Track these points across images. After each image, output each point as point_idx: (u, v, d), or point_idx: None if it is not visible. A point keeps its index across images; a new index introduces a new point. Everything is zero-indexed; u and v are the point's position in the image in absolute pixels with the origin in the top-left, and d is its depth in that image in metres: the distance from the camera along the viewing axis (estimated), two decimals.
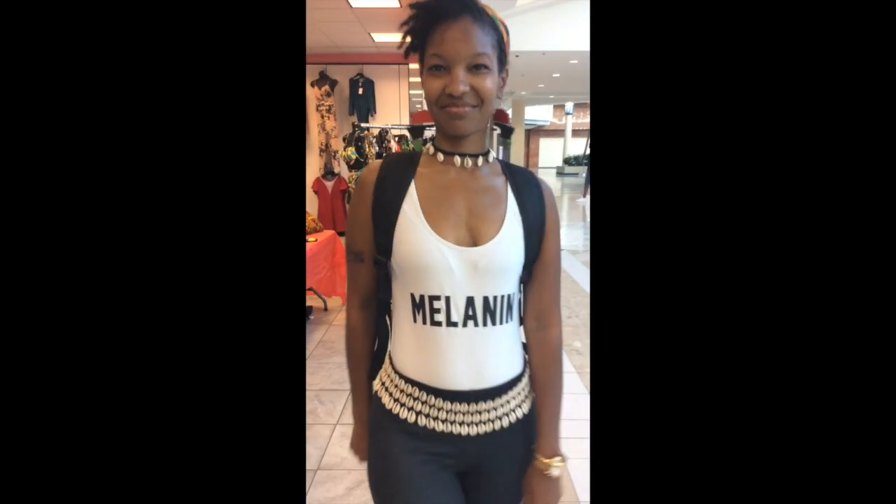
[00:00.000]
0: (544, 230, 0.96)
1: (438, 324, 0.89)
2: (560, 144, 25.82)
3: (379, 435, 0.97)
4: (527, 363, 0.99)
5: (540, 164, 27.40)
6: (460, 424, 0.92)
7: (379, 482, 0.97)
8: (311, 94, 5.99)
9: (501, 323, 0.92)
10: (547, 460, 0.95)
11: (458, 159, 0.92)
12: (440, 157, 0.93)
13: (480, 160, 0.94)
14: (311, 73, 5.93)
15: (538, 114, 23.10)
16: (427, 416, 0.92)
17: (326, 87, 5.96)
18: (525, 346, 1.01)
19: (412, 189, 0.91)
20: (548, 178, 20.11)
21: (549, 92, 14.77)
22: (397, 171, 0.93)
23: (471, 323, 0.89)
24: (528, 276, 0.96)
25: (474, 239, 0.89)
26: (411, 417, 0.92)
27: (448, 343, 0.89)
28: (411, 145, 4.09)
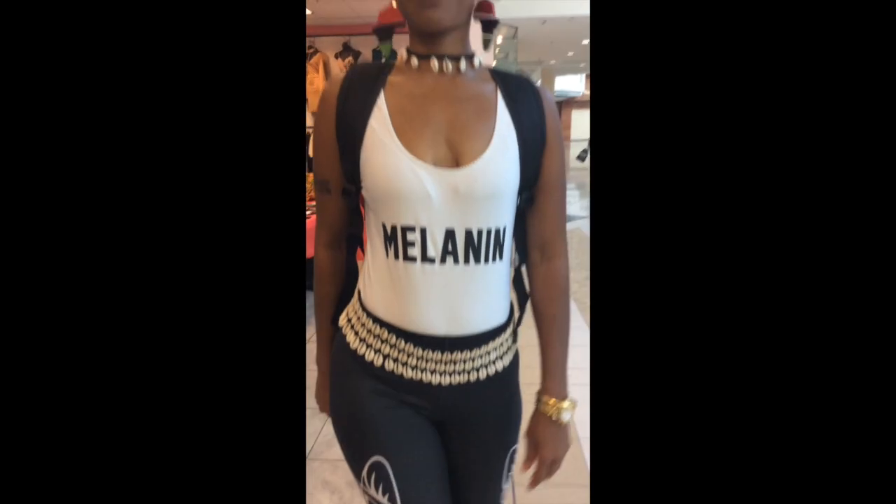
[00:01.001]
0: (544, 147, 0.81)
1: (412, 259, 0.77)
2: None
3: (343, 377, 0.87)
4: (513, 311, 0.88)
5: (572, 137, 26.86)
6: (431, 373, 0.82)
7: (345, 428, 0.87)
8: (336, 66, 6.03)
9: (487, 262, 0.78)
10: (556, 403, 0.87)
11: (435, 63, 0.78)
12: (414, 62, 0.79)
13: (463, 63, 0.79)
14: (335, 44, 5.95)
15: (569, 84, 22.55)
16: (395, 360, 0.82)
17: (350, 59, 5.99)
18: (516, 283, 0.91)
19: (381, 101, 0.77)
20: (579, 150, 19.71)
21: (579, 60, 14.41)
22: (364, 81, 0.79)
23: (450, 259, 0.76)
24: (529, 201, 0.83)
25: (456, 158, 0.75)
26: (378, 360, 0.82)
27: (422, 282, 0.77)
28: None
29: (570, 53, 12.53)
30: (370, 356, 0.83)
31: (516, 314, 0.91)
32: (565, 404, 0.87)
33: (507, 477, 0.94)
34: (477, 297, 0.80)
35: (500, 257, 0.80)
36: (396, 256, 0.78)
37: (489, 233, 0.77)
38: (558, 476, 2.03)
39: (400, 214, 0.76)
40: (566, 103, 25.41)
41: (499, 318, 0.84)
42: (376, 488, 0.85)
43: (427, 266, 0.77)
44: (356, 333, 0.85)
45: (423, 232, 0.75)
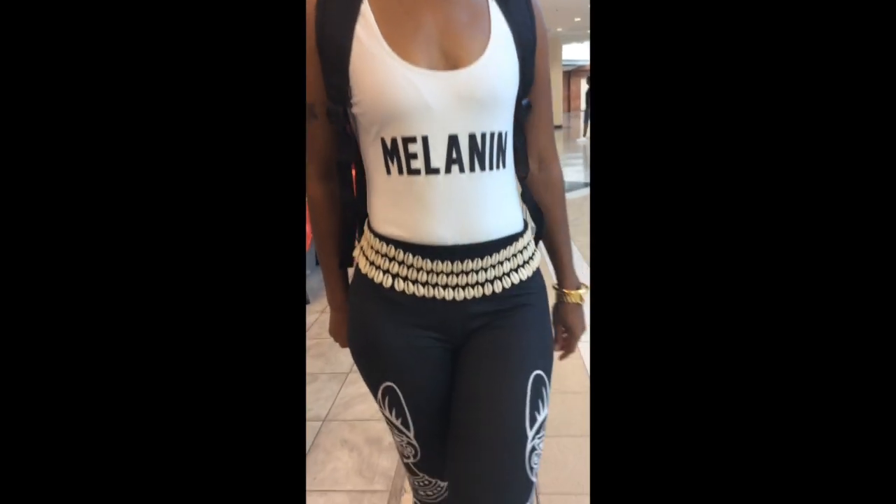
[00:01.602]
0: (535, 47, 0.80)
1: (416, 172, 0.73)
2: None
3: (359, 305, 0.86)
4: (526, 224, 0.86)
5: (582, 107, 26.48)
6: (444, 288, 0.79)
7: (361, 354, 0.87)
8: None
9: (492, 168, 0.76)
10: (576, 292, 0.95)
11: None
12: None
13: None
14: None
15: (577, 53, 22.15)
16: (406, 279, 0.79)
17: None
18: (525, 197, 0.90)
19: (364, 8, 0.72)
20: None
21: (587, 27, 14.14)
22: None
23: (455, 168, 0.74)
24: (528, 109, 0.82)
25: (453, 61, 0.72)
26: (387, 281, 0.80)
27: (428, 194, 0.74)
28: None
29: (578, 19, 12.29)
30: (380, 278, 0.81)
31: (531, 227, 0.89)
32: (582, 291, 0.96)
33: (536, 423, 0.79)
34: (484, 205, 0.77)
35: (504, 164, 0.78)
36: (400, 171, 0.74)
37: (492, 137, 0.75)
38: (560, 384, 2.06)
39: (399, 126, 0.72)
40: (575, 72, 24.97)
41: (508, 226, 0.81)
42: (390, 411, 0.86)
43: (432, 178, 0.74)
44: (367, 258, 0.83)
45: (426, 141, 0.72)
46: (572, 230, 1.00)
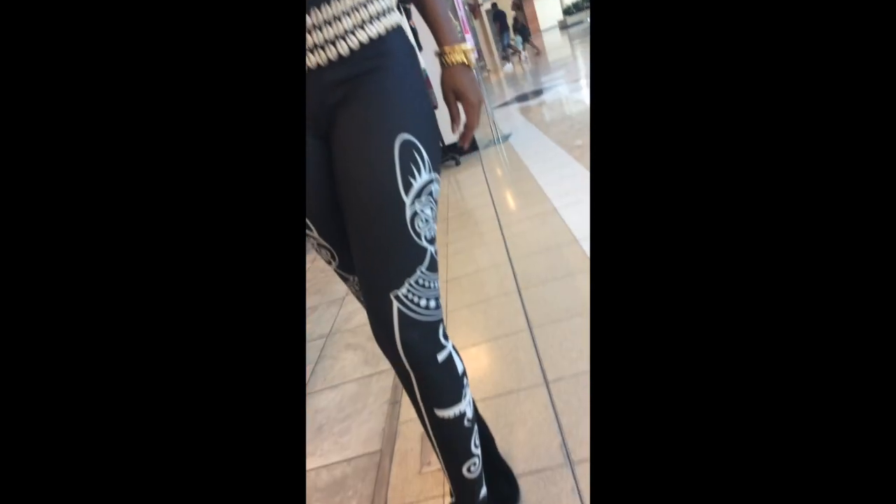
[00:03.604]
0: None
1: None
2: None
3: None
4: None
5: (541, 27, 25.81)
6: None
7: None
8: None
9: None
10: (458, 48, 0.85)
11: None
12: None
13: None
14: None
15: None
16: None
17: None
18: None
19: None
20: (552, 36, 18.99)
21: None
22: None
23: None
24: None
25: None
26: None
27: None
28: None
29: None
30: None
31: None
32: (466, 46, 0.86)
33: (412, 189, 0.77)
34: None
35: None
36: None
37: None
38: (558, 270, 2.06)
39: None
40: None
41: None
42: None
43: None
44: None
45: None
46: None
